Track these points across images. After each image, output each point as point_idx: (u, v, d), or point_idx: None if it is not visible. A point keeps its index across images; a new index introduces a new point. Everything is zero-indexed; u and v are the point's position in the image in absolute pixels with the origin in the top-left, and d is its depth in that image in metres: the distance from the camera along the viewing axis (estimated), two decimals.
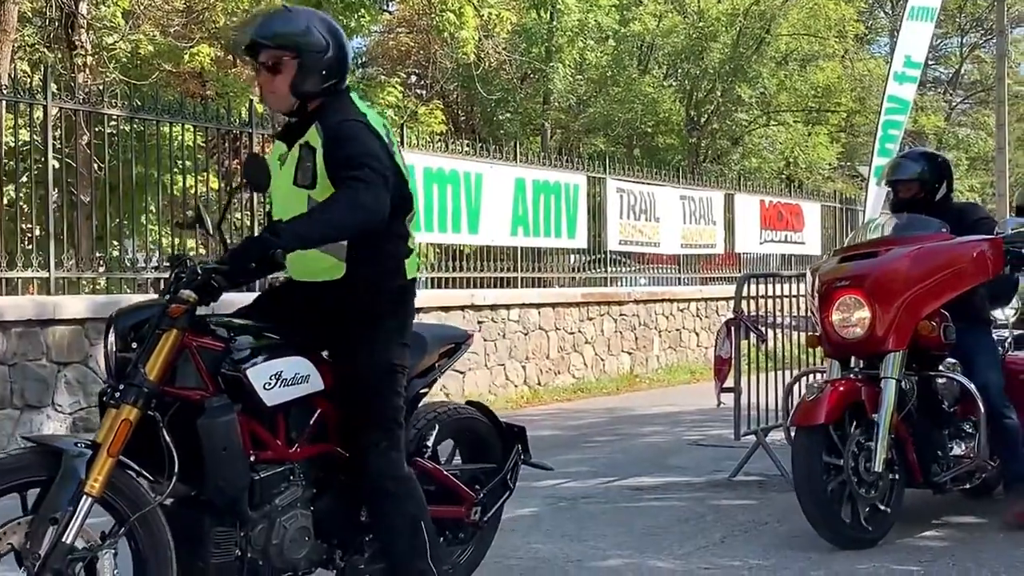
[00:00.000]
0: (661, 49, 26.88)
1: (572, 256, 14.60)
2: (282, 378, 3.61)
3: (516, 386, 12.55)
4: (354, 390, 3.75)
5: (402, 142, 11.78)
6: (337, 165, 3.60)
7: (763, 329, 7.74)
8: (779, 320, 8.03)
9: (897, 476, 5.34)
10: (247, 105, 11.64)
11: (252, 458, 3.55)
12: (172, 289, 3.48)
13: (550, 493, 6.88)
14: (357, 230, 3.60)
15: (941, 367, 5.54)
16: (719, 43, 25.55)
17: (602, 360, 13.95)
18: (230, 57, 19.74)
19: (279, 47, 3.69)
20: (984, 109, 35.85)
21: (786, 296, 8.12)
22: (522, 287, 13.04)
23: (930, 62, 37.42)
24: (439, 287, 12.14)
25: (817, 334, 5.63)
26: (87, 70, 13.45)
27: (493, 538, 4.56)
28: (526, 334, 12.75)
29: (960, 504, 6.13)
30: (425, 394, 4.29)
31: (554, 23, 23.86)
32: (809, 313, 6.19)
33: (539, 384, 12.84)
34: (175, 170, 10.34)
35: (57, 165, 8.87)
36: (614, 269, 14.99)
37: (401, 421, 3.85)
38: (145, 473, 3.41)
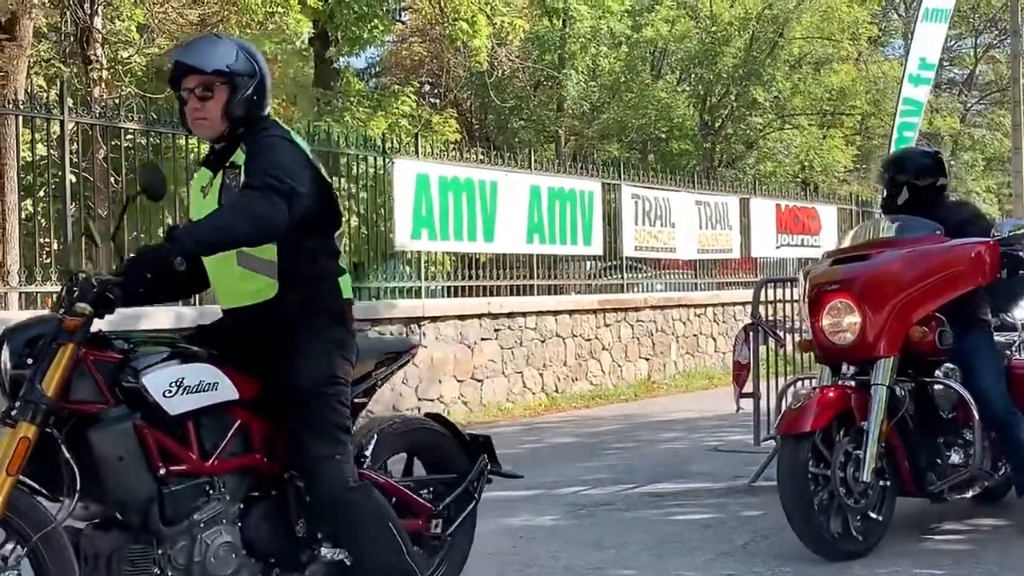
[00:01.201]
0: (674, 54, 26.88)
1: (588, 263, 14.59)
2: (184, 385, 3.48)
3: (534, 393, 12.54)
4: (297, 404, 3.66)
5: (417, 151, 11.81)
6: (248, 175, 3.58)
7: (781, 334, 7.71)
8: (797, 324, 7.99)
9: (888, 485, 5.20)
10: None
11: (162, 471, 3.44)
12: (66, 303, 3.37)
13: (571, 501, 6.87)
14: (250, 239, 3.49)
15: (938, 372, 5.39)
16: (732, 47, 25.53)
17: (619, 366, 13.93)
18: None
19: (212, 73, 3.67)
20: (999, 109, 35.70)
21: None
22: (538, 294, 13.04)
23: (944, 63, 37.31)
24: (455, 295, 12.14)
25: (810, 338, 5.49)
26: (103, 84, 13.50)
27: (468, 551, 4.44)
28: (543, 341, 12.74)
29: (979, 507, 6.09)
30: (363, 404, 4.18)
31: (567, 30, 23.89)
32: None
33: (557, 391, 12.83)
34: (191, 183, 10.37)
35: (74, 179, 8.91)
36: (630, 275, 14.96)
37: (349, 430, 3.80)
38: (46, 492, 3.33)
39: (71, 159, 8.85)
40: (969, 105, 37.50)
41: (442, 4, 18.35)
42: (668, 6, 26.72)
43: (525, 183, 12.86)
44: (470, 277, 12.33)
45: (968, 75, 38.18)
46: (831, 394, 5.17)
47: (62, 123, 8.74)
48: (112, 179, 10.22)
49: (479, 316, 11.90)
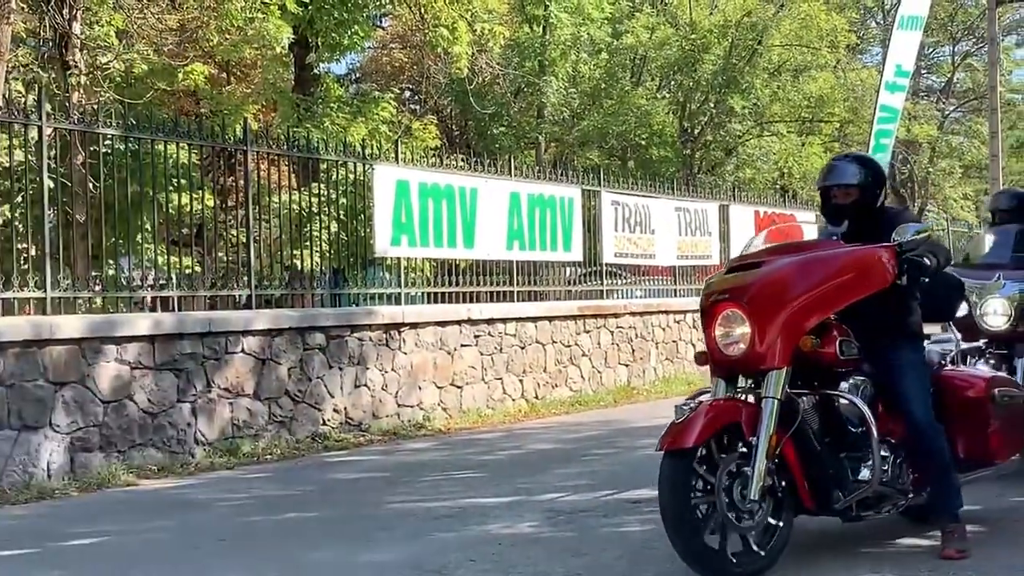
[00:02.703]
0: (654, 61, 26.94)
1: (568, 269, 14.61)
2: None
3: (514, 400, 12.55)
4: None
5: (397, 157, 11.82)
6: None
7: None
8: None
9: (781, 504, 4.95)
10: (242, 123, 11.67)
11: None
12: None
13: (549, 507, 6.88)
14: None
15: (844, 385, 5.14)
16: (711, 55, 25.61)
17: (599, 372, 13.95)
18: (224, 75, 19.79)
19: None
20: (977, 117, 35.95)
21: None
22: (518, 301, 13.05)
23: (923, 71, 37.58)
24: (435, 302, 12.14)
25: (704, 350, 5.21)
26: (81, 90, 13.45)
27: None
28: (523, 347, 12.76)
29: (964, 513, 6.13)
30: None
31: (547, 37, 23.94)
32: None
33: (536, 397, 12.84)
34: (170, 188, 10.35)
35: (52, 185, 8.87)
36: (610, 282, 15.00)
37: None
38: None
39: (49, 164, 8.81)
40: (947, 112, 37.72)
41: (422, 11, 18.35)
42: (648, 13, 26.80)
43: (505, 189, 12.88)
44: (450, 283, 12.33)
45: (946, 83, 38.41)
46: (717, 408, 4.94)
47: (40, 128, 8.71)
48: (91, 185, 10.19)
49: (459, 322, 11.90)
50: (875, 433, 4.97)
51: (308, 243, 11.73)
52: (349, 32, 16.69)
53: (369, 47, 26.10)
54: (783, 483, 4.96)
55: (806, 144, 28.09)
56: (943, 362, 5.89)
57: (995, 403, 5.68)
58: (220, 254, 11.02)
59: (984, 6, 27.32)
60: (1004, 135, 29.31)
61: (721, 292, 5.12)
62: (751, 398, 5.02)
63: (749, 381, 5.08)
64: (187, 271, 10.40)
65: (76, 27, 13.21)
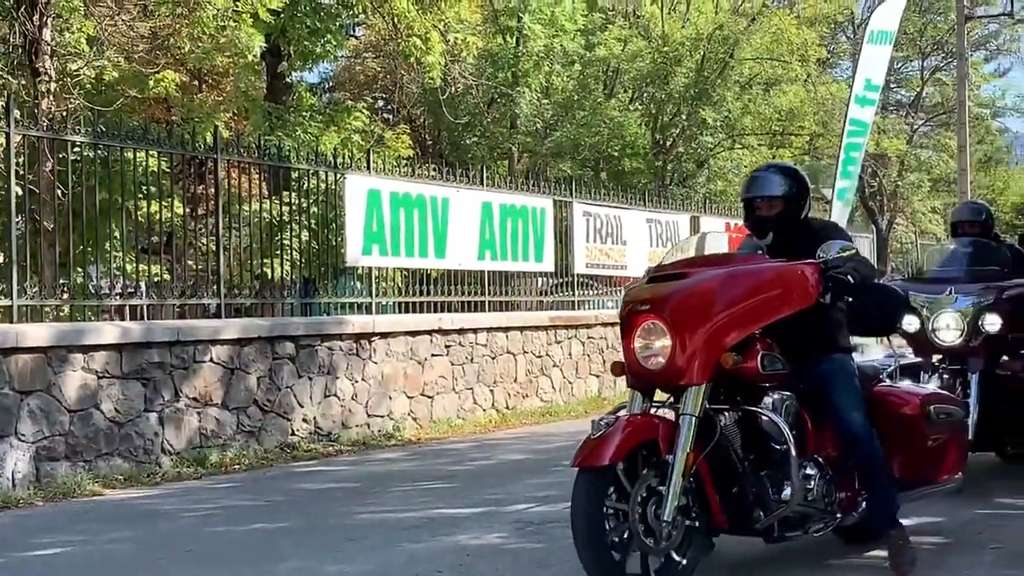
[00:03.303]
0: (626, 73, 27.01)
1: (539, 280, 14.62)
2: None
3: (484, 410, 12.54)
4: None
5: (368, 167, 11.80)
6: None
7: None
8: None
9: (696, 524, 4.79)
10: (212, 130, 11.62)
11: None
12: None
13: (518, 518, 6.88)
14: None
15: (767, 400, 4.96)
16: (683, 67, 25.70)
17: (570, 383, 13.96)
18: (196, 83, 19.69)
19: None
20: (946, 131, 36.27)
21: None
22: (490, 311, 13.05)
23: (892, 85, 37.88)
24: (406, 312, 12.12)
25: (622, 361, 5.01)
26: (51, 97, 13.35)
27: None
28: (494, 358, 12.75)
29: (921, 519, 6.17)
30: None
31: (520, 48, 23.97)
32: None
33: (507, 408, 12.83)
34: (139, 196, 10.29)
35: (20, 192, 8.81)
36: (581, 292, 15.02)
37: None
38: None
39: (17, 171, 8.75)
40: (916, 127, 38.04)
41: (395, 20, 18.33)
42: (621, 26, 26.86)
43: (477, 199, 12.88)
44: (421, 293, 12.32)
45: (915, 97, 38.74)
46: (634, 424, 4.75)
47: (8, 135, 8.64)
48: (59, 192, 10.12)
49: (430, 332, 11.89)
50: (794, 451, 4.82)
51: (279, 252, 11.69)
52: (322, 41, 16.65)
53: (342, 56, 26.02)
54: (698, 504, 4.80)
55: (777, 157, 28.17)
56: (881, 378, 5.75)
57: (930, 421, 5.54)
58: (190, 263, 10.96)
59: (953, 21, 27.61)
60: (972, 149, 29.63)
61: (642, 302, 4.93)
62: (670, 414, 4.86)
63: (669, 396, 4.94)
64: (156, 279, 10.33)
65: (47, 34, 13.11)
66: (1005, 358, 7.56)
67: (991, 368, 7.38)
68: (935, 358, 7.50)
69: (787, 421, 4.93)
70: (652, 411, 4.97)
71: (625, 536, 4.65)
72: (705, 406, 4.78)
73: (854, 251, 5.07)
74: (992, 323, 7.25)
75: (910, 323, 7.46)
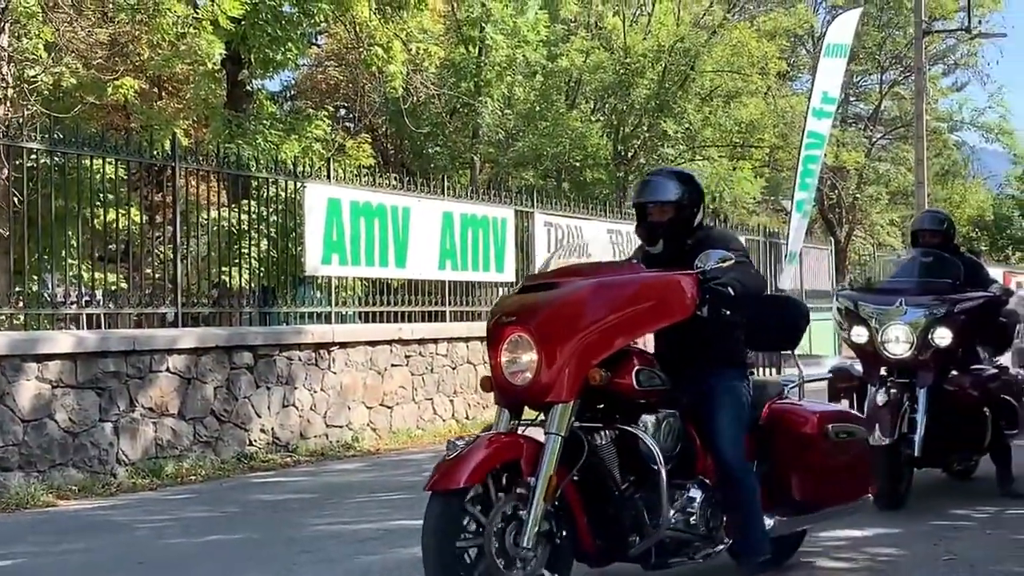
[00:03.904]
0: (588, 84, 27.10)
1: (501, 290, 14.62)
2: None
3: (444, 420, 12.51)
4: None
5: (329, 175, 11.76)
6: None
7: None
8: None
9: (560, 551, 4.47)
10: (171, 138, 11.54)
11: None
12: None
13: None
14: None
15: (646, 418, 4.68)
16: (645, 79, 25.83)
17: None
18: (155, 90, 19.56)
19: None
20: (904, 144, 36.62)
21: None
22: (450, 321, 13.03)
23: (851, 98, 38.27)
24: (366, 321, 12.08)
25: (490, 375, 4.71)
26: (7, 103, 13.22)
27: None
28: (454, 368, 12.73)
29: (877, 531, 6.22)
30: None
31: (483, 58, 23.98)
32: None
33: (467, 418, 12.81)
34: (97, 204, 10.19)
35: None
36: None
37: None
38: None
39: None
40: (874, 140, 38.40)
41: (357, 29, 18.32)
42: (583, 37, 26.95)
43: (438, 209, 12.87)
44: (381, 303, 12.28)
45: (874, 110, 39.10)
46: (494, 444, 4.41)
47: None
48: (15, 199, 10.01)
49: (390, 342, 11.85)
50: (664, 473, 4.52)
51: (238, 261, 11.62)
52: (283, 49, 16.58)
53: (304, 64, 25.94)
54: (563, 530, 4.47)
55: (737, 169, 28.39)
56: (785, 393, 5.51)
57: (830, 440, 5.26)
58: (147, 271, 10.88)
59: (912, 36, 27.92)
60: (930, 162, 29.94)
61: (508, 314, 4.64)
62: (539, 433, 4.56)
63: (539, 414, 4.63)
64: (113, 288, 10.24)
65: (3, 39, 12.99)
66: (954, 372, 7.46)
67: (939, 382, 7.26)
68: (883, 371, 7.38)
69: (667, 440, 4.69)
70: (521, 430, 4.66)
71: (482, 566, 4.31)
72: (572, 425, 4.49)
73: (733, 261, 4.75)
74: (943, 337, 7.13)
75: (859, 334, 7.40)
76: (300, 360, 10.76)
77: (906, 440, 6.97)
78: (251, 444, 10.17)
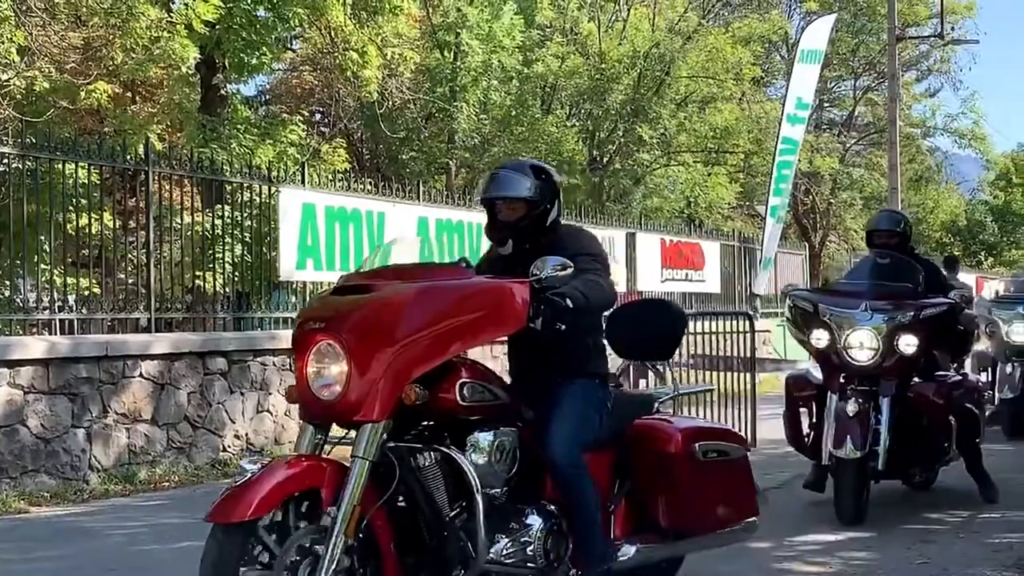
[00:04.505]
0: (564, 90, 27.19)
1: None
2: None
3: None
4: None
5: (303, 180, 11.72)
6: None
7: (660, 368, 7.76)
8: (676, 358, 8.06)
9: None
10: (144, 142, 11.49)
11: None
12: None
13: None
14: None
15: (479, 436, 4.19)
16: (620, 84, 25.93)
17: None
18: (129, 94, 19.46)
19: None
20: (877, 150, 36.84)
21: (687, 333, 8.16)
22: None
23: (825, 104, 38.47)
24: None
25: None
26: None
27: None
28: None
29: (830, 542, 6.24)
30: None
31: (458, 63, 24.00)
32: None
33: None
34: (70, 208, 10.13)
35: None
36: None
37: None
38: None
39: None
40: (848, 145, 38.62)
41: (332, 34, 18.28)
42: (558, 43, 27.02)
43: (413, 214, 12.85)
44: None
45: (847, 116, 39.34)
46: (295, 468, 3.87)
47: None
48: None
49: None
50: (479, 497, 4.03)
51: (211, 266, 11.57)
52: (258, 53, 16.52)
53: (279, 69, 25.90)
54: (368, 567, 3.92)
55: (712, 174, 28.55)
56: (657, 408, 4.98)
57: (697, 460, 4.72)
58: (120, 276, 10.81)
59: (885, 42, 28.10)
60: (903, 168, 30.12)
61: (318, 319, 4.10)
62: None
63: (352, 432, 4.04)
64: (86, 293, 10.17)
65: None
66: (917, 380, 7.15)
67: (902, 391, 6.95)
68: (842, 378, 6.97)
69: (502, 460, 4.23)
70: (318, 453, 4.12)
71: None
72: (387, 446, 3.99)
73: (572, 269, 4.19)
74: (908, 344, 6.85)
75: (819, 338, 7.05)
76: (274, 365, 10.71)
77: (870, 452, 6.70)
78: (225, 450, 10.12)
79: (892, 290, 7.15)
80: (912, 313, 6.93)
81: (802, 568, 5.71)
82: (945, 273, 8.85)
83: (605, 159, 27.15)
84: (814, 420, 7.23)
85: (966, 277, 22.55)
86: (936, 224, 43.32)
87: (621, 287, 16.64)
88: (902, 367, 6.93)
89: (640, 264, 17.00)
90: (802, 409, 7.36)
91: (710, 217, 29.25)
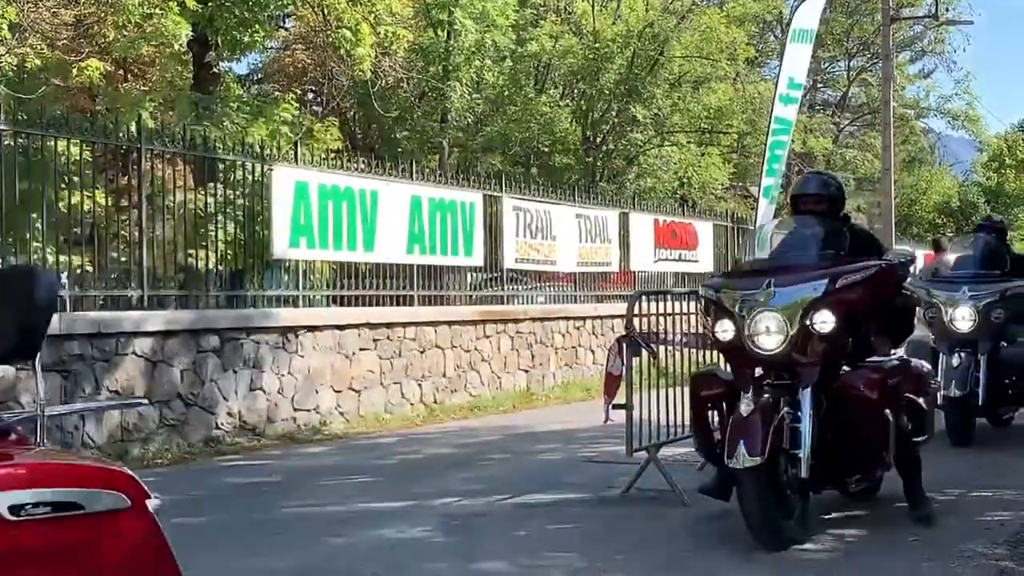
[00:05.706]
0: (557, 69, 27.11)
1: (469, 274, 14.60)
2: None
3: (412, 404, 12.50)
4: None
5: (296, 158, 11.69)
6: None
7: (654, 346, 7.75)
8: (670, 337, 8.08)
9: None
10: (136, 120, 11.44)
11: None
12: None
13: (444, 512, 6.87)
14: None
15: None
16: (614, 64, 25.85)
17: (498, 378, 13.97)
18: (121, 72, 19.38)
19: None
20: (871, 131, 36.86)
21: (677, 313, 8.19)
22: (418, 305, 13.01)
23: (819, 85, 38.44)
24: (334, 305, 12.04)
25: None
26: None
27: None
28: (422, 352, 12.71)
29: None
30: None
31: (451, 42, 23.91)
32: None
33: (436, 402, 12.81)
34: (62, 186, 10.10)
35: None
36: (511, 287, 15.04)
37: None
38: None
39: None
40: (842, 126, 38.62)
41: (325, 12, 18.20)
42: (552, 22, 26.93)
43: (406, 193, 12.83)
44: (349, 287, 12.24)
45: (841, 97, 39.32)
46: None
47: None
48: None
49: (358, 326, 11.82)
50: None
51: (204, 244, 11.54)
52: (250, 31, 16.46)
53: (272, 47, 25.80)
54: None
55: (705, 155, 28.50)
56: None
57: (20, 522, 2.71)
58: (113, 254, 10.78)
59: (879, 22, 28.06)
60: (896, 149, 30.15)
61: None
62: None
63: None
64: (78, 270, 10.15)
65: None
66: (846, 369, 6.01)
67: (826, 381, 5.78)
68: (757, 372, 5.90)
69: None
70: None
71: None
72: None
73: None
74: (824, 321, 5.67)
75: (724, 329, 5.91)
76: (267, 344, 10.71)
77: (789, 458, 5.55)
78: (218, 428, 10.13)
79: (806, 261, 6.04)
80: (826, 284, 5.74)
81: (796, 545, 5.72)
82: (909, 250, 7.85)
83: (598, 139, 27.11)
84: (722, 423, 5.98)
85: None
86: (929, 205, 43.34)
87: (614, 267, 16.66)
88: (823, 352, 5.77)
89: (633, 244, 17.00)
90: (710, 412, 6.09)
91: (703, 197, 29.20)
